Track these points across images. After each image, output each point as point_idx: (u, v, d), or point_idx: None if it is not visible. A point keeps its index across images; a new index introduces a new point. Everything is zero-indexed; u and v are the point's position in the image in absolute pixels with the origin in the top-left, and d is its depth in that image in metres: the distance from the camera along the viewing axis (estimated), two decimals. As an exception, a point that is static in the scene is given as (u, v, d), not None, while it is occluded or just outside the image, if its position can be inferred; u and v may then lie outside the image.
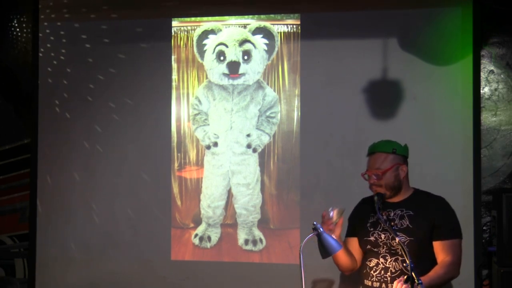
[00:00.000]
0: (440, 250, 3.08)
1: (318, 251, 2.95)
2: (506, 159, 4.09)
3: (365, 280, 3.17)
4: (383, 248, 3.12)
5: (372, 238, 3.15)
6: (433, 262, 3.09)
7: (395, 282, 2.83)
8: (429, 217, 3.10)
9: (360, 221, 3.24)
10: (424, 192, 3.23)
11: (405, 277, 2.76)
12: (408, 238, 3.03)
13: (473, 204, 4.00)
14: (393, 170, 3.11)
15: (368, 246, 3.17)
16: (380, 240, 3.12)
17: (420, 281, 2.68)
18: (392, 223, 3.06)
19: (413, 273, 2.70)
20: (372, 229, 3.16)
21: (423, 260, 3.01)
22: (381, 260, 3.12)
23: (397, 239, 2.89)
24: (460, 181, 4.02)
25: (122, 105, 4.51)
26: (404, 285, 2.75)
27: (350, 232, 3.30)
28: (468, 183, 4.01)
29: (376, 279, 3.11)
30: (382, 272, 3.10)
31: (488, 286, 3.99)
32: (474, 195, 4.00)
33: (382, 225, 3.11)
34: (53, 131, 4.61)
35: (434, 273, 2.99)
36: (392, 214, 3.13)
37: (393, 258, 3.09)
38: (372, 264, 3.15)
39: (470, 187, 4.01)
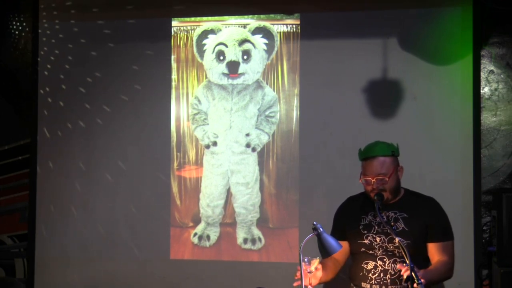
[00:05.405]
0: (436, 252, 3.08)
1: (318, 250, 2.94)
2: (506, 159, 4.08)
3: (362, 283, 3.14)
4: (379, 250, 3.10)
5: (366, 241, 3.11)
6: (427, 263, 3.10)
7: (397, 265, 2.85)
8: (423, 219, 3.08)
9: (351, 223, 3.18)
10: (415, 192, 3.21)
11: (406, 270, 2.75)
12: (405, 241, 2.99)
13: (473, 204, 3.99)
14: (395, 173, 3.08)
15: (363, 249, 3.13)
16: (375, 243, 3.10)
17: (420, 281, 2.67)
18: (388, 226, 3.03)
19: (413, 273, 2.69)
20: (366, 232, 3.12)
21: (419, 261, 2.98)
22: (379, 262, 3.09)
23: (397, 240, 2.87)
24: (460, 181, 4.02)
25: (122, 104, 4.51)
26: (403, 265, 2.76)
27: (339, 236, 3.15)
28: (468, 183, 4.01)
29: (376, 282, 3.09)
30: (382, 274, 3.08)
31: (488, 286, 3.98)
32: (474, 195, 4.00)
33: (377, 227, 3.10)
34: (53, 131, 4.61)
35: (435, 269, 2.99)
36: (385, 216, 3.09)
37: (391, 260, 3.07)
38: (369, 266, 3.12)
39: (470, 187, 4.01)
